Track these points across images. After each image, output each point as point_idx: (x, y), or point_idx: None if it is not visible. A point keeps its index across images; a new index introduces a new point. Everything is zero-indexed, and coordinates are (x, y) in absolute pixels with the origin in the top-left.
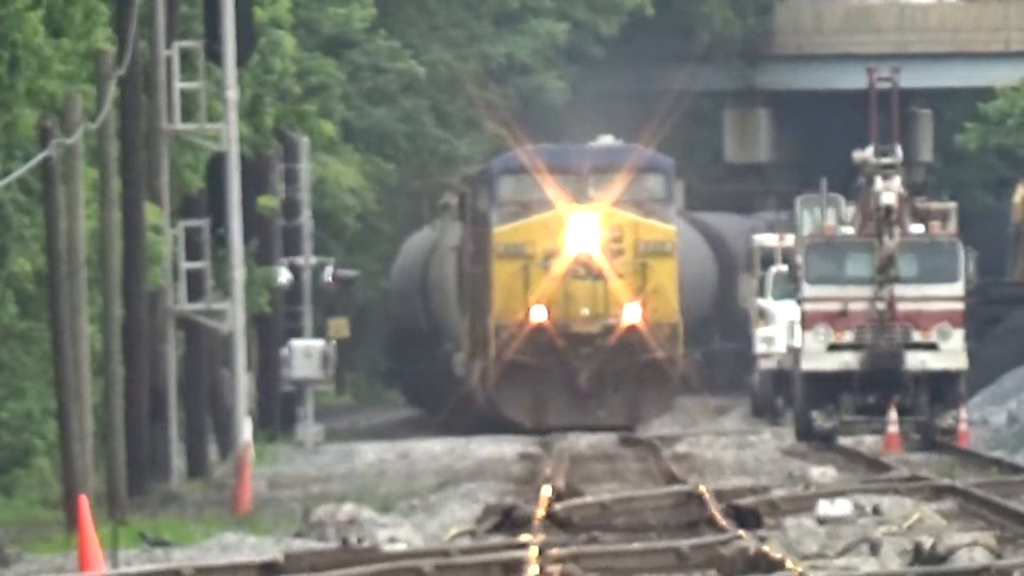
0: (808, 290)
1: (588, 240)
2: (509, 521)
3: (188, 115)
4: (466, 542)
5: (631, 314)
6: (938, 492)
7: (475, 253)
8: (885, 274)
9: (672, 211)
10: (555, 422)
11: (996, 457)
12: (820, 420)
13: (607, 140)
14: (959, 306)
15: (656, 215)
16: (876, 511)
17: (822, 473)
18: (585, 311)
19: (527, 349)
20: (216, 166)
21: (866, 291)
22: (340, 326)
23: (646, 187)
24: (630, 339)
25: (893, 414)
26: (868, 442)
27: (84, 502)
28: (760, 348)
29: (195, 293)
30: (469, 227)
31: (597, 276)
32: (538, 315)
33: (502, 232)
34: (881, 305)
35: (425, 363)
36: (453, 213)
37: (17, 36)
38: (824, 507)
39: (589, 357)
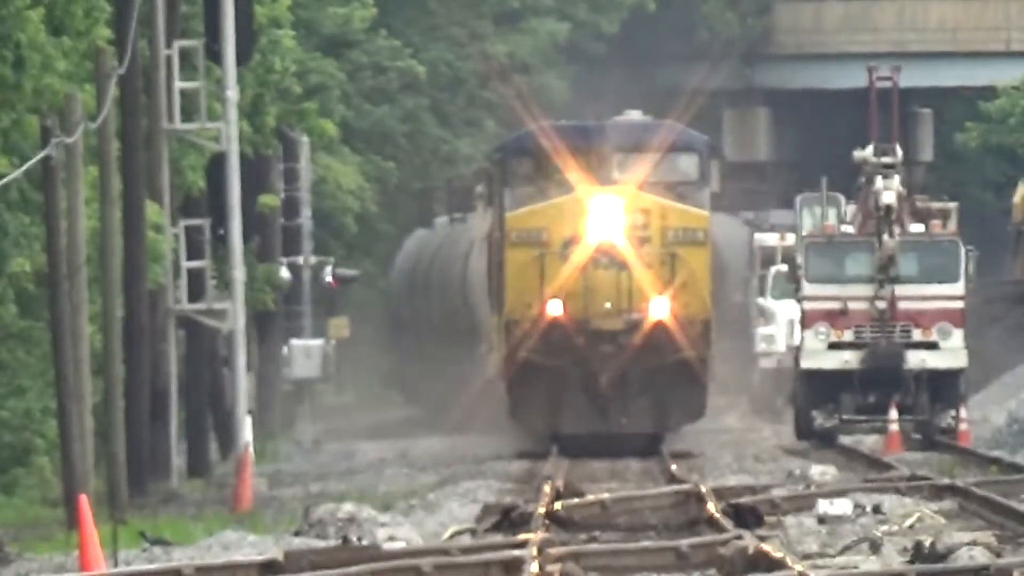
0: (808, 289)
1: (611, 226)
2: (508, 520)
3: (188, 115)
4: (466, 540)
5: (658, 309)
6: (938, 491)
7: (497, 241)
8: (886, 273)
9: (706, 195)
10: (572, 428)
11: (996, 456)
12: (820, 419)
13: (634, 115)
14: (959, 305)
15: (688, 199)
16: (876, 510)
17: (822, 472)
18: (607, 305)
19: (542, 347)
20: (216, 165)
21: (866, 290)
22: (340, 325)
23: (677, 167)
24: (657, 336)
25: (893, 413)
26: (868, 441)
27: (84, 501)
28: (760, 347)
29: (196, 292)
30: (494, 214)
31: (621, 266)
32: (555, 309)
33: (515, 217)
34: (882, 304)
35: (452, 367)
36: (484, 201)
37: (20, 36)
38: (824, 506)
39: (611, 356)
